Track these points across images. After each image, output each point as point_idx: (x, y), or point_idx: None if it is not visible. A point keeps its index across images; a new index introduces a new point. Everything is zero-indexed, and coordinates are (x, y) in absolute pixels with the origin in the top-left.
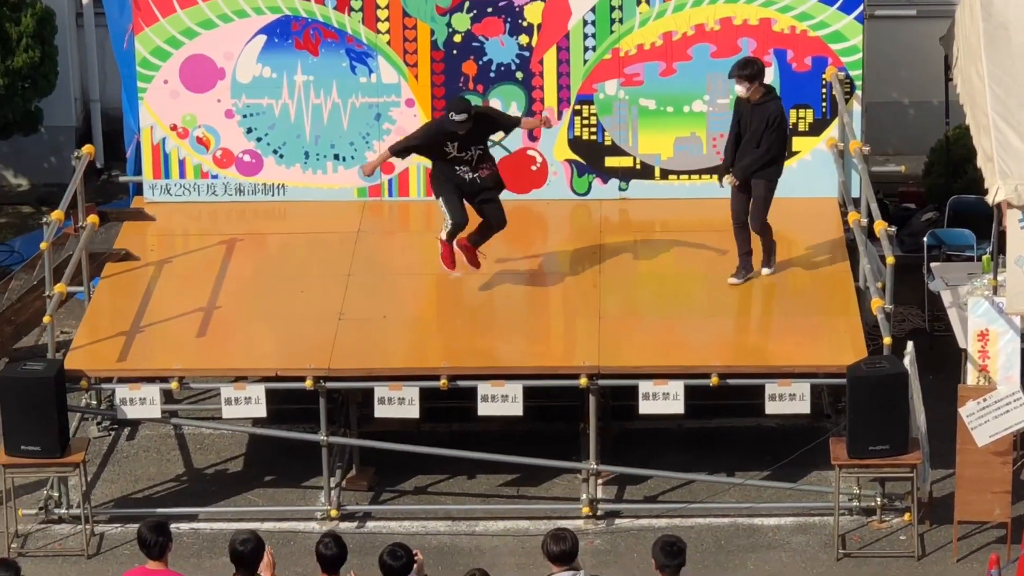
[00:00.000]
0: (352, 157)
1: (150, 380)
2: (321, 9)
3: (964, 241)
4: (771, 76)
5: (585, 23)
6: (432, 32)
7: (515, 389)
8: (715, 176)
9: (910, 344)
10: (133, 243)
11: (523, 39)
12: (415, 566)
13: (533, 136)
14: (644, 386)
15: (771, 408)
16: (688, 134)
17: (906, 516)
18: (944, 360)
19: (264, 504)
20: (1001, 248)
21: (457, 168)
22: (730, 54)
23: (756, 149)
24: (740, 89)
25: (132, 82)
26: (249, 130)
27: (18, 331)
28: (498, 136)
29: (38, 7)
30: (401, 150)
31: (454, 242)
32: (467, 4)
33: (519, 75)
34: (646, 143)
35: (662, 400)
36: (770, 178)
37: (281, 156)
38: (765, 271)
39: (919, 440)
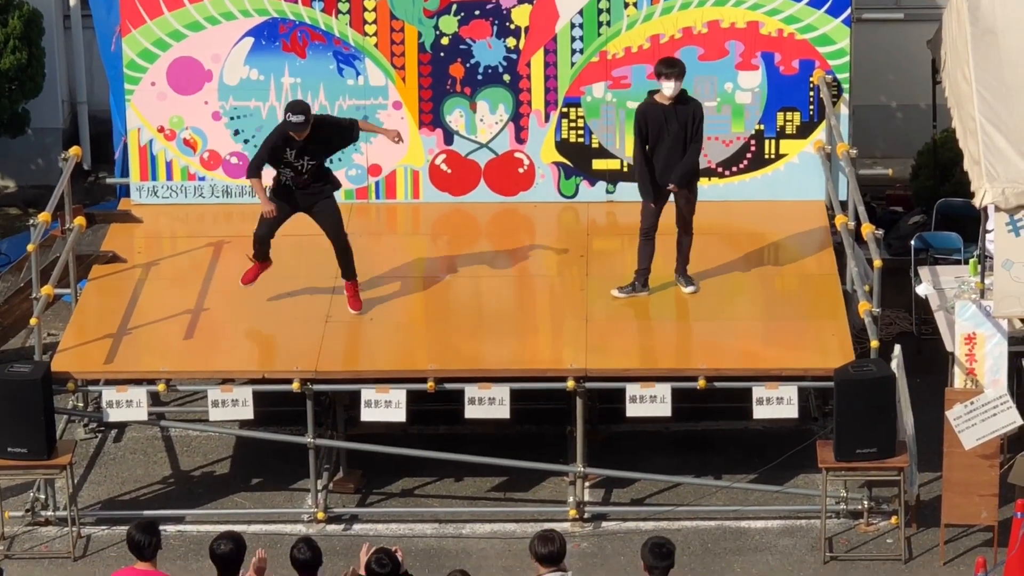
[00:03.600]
0: (339, 159)
1: (137, 382)
2: (309, 12)
3: (951, 244)
4: (759, 79)
5: (572, 26)
6: (419, 35)
7: (502, 392)
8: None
9: (897, 347)
10: (120, 245)
11: (510, 42)
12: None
13: (520, 139)
14: (631, 389)
15: (759, 412)
16: None
17: (893, 519)
18: (931, 364)
19: (251, 506)
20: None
21: (282, 172)
22: (717, 57)
23: (686, 152)
24: (670, 86)
25: (119, 84)
26: (236, 132)
27: (5, 333)
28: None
29: (25, 9)
30: (254, 168)
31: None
32: (454, 7)
33: (506, 78)
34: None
35: (649, 403)
36: (695, 179)
37: None
38: (690, 290)
39: (906, 443)
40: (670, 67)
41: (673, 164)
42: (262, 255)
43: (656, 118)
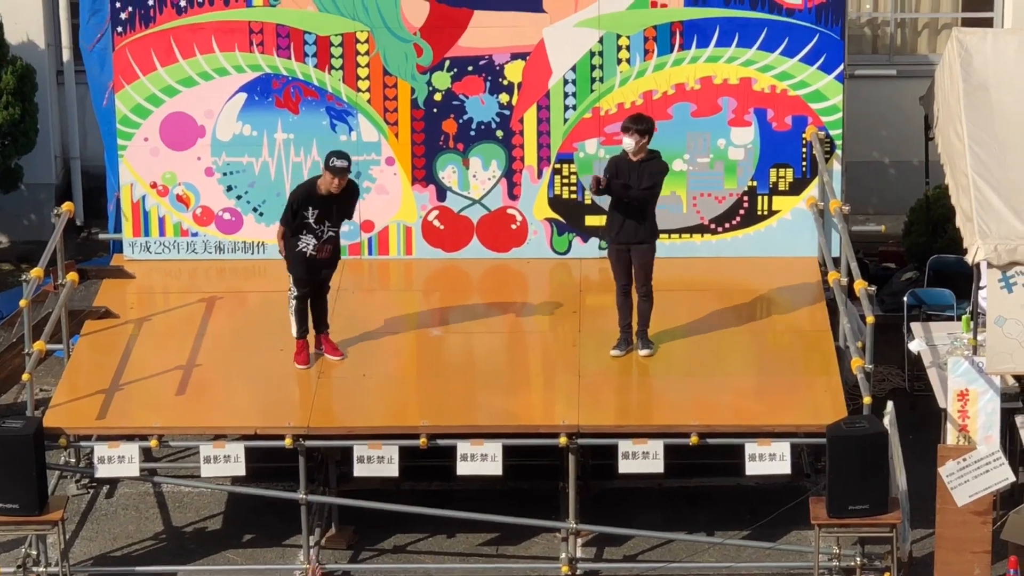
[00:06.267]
0: None
1: (129, 438)
2: (302, 67)
3: (944, 301)
4: (751, 135)
5: (565, 82)
6: (412, 91)
7: (494, 448)
8: (692, 234)
9: (890, 404)
10: (113, 301)
11: (503, 97)
12: None
13: (513, 195)
14: (623, 445)
15: (751, 468)
16: (668, 193)
17: None
18: (924, 420)
19: (243, 563)
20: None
21: (301, 236)
22: (710, 113)
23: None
24: (629, 142)
25: (112, 139)
26: (229, 188)
27: None
28: None
29: (18, 64)
30: (287, 219)
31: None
32: (447, 63)
33: (499, 133)
34: None
35: (642, 459)
36: (651, 239)
37: (261, 214)
38: (645, 352)
39: (899, 500)
40: (634, 123)
41: (631, 222)
42: (299, 330)
43: (622, 173)
